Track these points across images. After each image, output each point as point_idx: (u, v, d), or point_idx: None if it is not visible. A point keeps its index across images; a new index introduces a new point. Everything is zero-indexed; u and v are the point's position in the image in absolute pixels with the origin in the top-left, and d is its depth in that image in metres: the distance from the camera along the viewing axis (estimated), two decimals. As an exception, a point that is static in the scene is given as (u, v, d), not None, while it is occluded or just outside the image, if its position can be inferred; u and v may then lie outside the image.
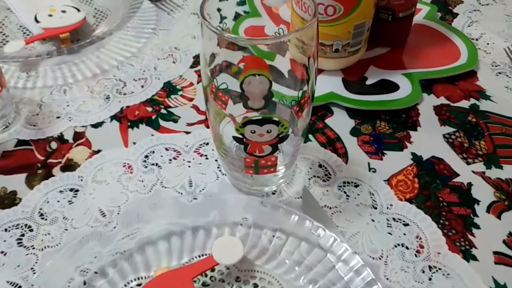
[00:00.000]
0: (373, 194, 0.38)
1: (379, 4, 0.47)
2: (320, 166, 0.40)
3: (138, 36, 0.53)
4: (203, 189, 0.38)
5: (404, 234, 0.35)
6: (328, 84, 0.47)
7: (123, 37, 0.53)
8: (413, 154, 0.41)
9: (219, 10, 0.56)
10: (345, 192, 0.38)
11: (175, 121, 0.44)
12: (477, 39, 0.53)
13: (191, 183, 0.38)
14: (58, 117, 0.44)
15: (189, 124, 0.43)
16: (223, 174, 0.39)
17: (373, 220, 0.36)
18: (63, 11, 0.52)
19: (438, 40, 0.52)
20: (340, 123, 0.44)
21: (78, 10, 0.53)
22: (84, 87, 0.47)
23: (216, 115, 0.33)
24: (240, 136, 0.31)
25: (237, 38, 0.28)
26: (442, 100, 0.46)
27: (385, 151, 0.41)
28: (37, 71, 0.48)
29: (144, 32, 0.53)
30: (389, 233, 0.35)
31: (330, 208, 0.36)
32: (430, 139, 0.42)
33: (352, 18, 0.43)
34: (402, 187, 0.38)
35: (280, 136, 0.31)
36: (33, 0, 0.55)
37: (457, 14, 0.57)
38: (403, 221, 0.36)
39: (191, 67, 0.50)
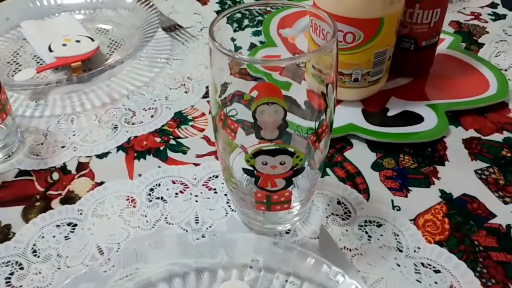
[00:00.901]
0: (398, 235, 0.34)
1: (400, 32, 0.45)
2: (339, 203, 0.36)
3: (151, 65, 0.52)
4: (210, 227, 0.35)
5: (436, 283, 0.31)
6: (347, 115, 0.44)
7: (135, 67, 0.52)
8: (442, 191, 0.37)
9: (233, 39, 0.56)
10: (366, 232, 0.34)
11: (184, 152, 0.41)
12: (506, 70, 0.50)
13: (197, 220, 0.35)
14: (62, 147, 0.42)
15: (198, 156, 0.41)
16: (232, 210, 0.36)
17: (398, 265, 0.32)
18: (77, 41, 0.52)
19: (464, 70, 0.49)
20: (360, 156, 0.41)
21: (93, 40, 0.52)
22: (92, 116, 0.45)
23: (225, 145, 0.31)
24: (251, 168, 0.28)
25: (248, 59, 0.26)
26: (472, 133, 0.43)
27: (410, 188, 0.38)
28: (46, 99, 0.47)
29: (157, 62, 0.52)
30: (418, 280, 0.31)
31: (350, 250, 0.33)
32: (460, 175, 0.39)
33: (372, 45, 0.41)
34: (431, 227, 0.34)
35: (295, 168, 0.28)
36: (49, 31, 0.55)
37: (483, 44, 0.55)
38: (434, 267, 0.32)
39: (204, 97, 0.48)
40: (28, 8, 0.59)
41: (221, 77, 0.28)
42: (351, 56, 0.42)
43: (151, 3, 0.57)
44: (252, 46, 0.54)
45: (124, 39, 0.56)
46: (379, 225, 0.34)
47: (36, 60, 0.53)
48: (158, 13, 0.56)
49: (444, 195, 0.37)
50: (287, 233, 0.34)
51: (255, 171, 0.28)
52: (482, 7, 0.62)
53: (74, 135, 0.43)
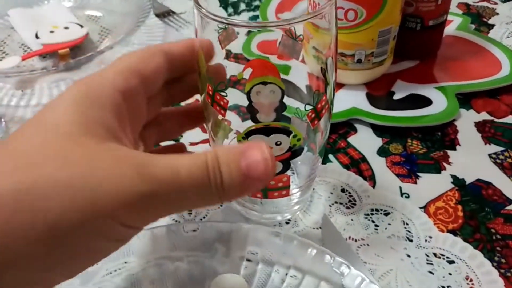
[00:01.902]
0: (407, 224, 0.31)
1: (406, 11, 0.42)
2: (342, 190, 0.34)
3: (143, 52, 0.49)
4: (204, 217, 0.32)
5: (450, 274, 0.28)
6: (350, 99, 0.41)
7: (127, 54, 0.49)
8: (454, 176, 0.35)
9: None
10: (373, 222, 0.31)
11: (177, 140, 0.39)
12: (518, 50, 0.48)
13: (190, 210, 0.33)
14: (48, 137, 0.39)
15: (192, 144, 0.39)
16: (228, 200, 0.33)
17: (408, 256, 0.29)
18: (66, 28, 0.49)
19: (474, 52, 0.47)
20: (365, 141, 0.38)
21: (82, 27, 0.50)
22: (81, 105, 0.43)
23: (217, 128, 0.28)
24: (244, 150, 0.26)
25: (241, 22, 0.23)
26: (485, 116, 0.40)
27: (419, 174, 0.35)
28: (33, 88, 0.45)
29: (150, 49, 0.50)
30: (430, 272, 0.28)
31: (356, 240, 0.30)
32: (473, 159, 0.36)
33: (376, 23, 0.38)
34: (443, 215, 0.32)
35: (293, 149, 0.26)
36: (37, 19, 0.52)
37: (493, 26, 0.52)
38: (447, 257, 0.29)
39: (198, 83, 0.45)
40: (17, -4, 0.56)
41: (214, 61, 0.26)
42: (353, 35, 0.39)
43: (144, -11, 0.55)
44: (250, 31, 0.52)
45: (116, 26, 0.54)
46: (386, 214, 0.32)
47: (23, 49, 0.51)
48: (151, -1, 0.54)
49: (457, 180, 0.34)
50: (287, 223, 0.32)
51: (249, 153, 0.26)
52: (491, -12, 0.59)
53: (61, 124, 0.41)
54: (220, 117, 0.26)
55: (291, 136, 0.25)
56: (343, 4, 0.37)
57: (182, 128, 0.30)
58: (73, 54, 0.48)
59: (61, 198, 0.17)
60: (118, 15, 0.54)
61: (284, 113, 0.26)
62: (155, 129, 0.27)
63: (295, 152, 0.26)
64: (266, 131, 0.25)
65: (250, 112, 0.26)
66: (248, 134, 0.25)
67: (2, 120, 0.40)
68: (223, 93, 0.24)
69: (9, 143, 0.19)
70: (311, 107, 0.25)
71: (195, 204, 0.21)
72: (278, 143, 0.25)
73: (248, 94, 0.25)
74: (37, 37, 0.48)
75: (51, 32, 0.48)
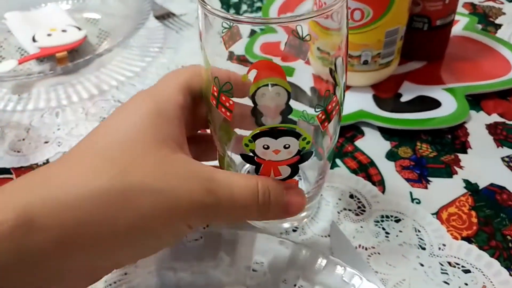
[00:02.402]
0: (419, 231, 0.30)
1: (413, 11, 0.41)
2: (351, 196, 0.32)
3: (143, 55, 0.48)
4: (207, 226, 0.31)
5: (466, 284, 0.27)
6: (357, 102, 0.40)
7: (126, 56, 0.48)
8: (466, 181, 0.33)
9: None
10: (383, 229, 0.30)
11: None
12: (527, 51, 0.46)
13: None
14: (46, 142, 0.38)
15: (194, 148, 0.37)
16: (232, 206, 0.32)
17: (422, 265, 0.28)
18: (64, 31, 0.48)
19: (482, 52, 0.45)
20: (373, 145, 0.37)
21: (80, 29, 0.49)
22: (79, 109, 0.41)
23: (222, 132, 0.27)
24: (250, 154, 0.24)
25: (247, 19, 0.22)
26: (496, 118, 0.39)
27: (430, 178, 0.34)
28: (29, 93, 0.43)
29: (150, 51, 0.49)
30: (445, 282, 0.27)
31: (366, 248, 0.29)
32: (485, 163, 0.35)
33: (383, 23, 0.37)
34: (456, 222, 0.30)
35: (302, 153, 0.24)
36: (35, 22, 0.51)
37: (500, 25, 0.51)
38: (463, 266, 0.28)
39: (200, 86, 0.44)
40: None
41: (217, 64, 0.25)
42: (359, 35, 0.38)
43: (144, -9, 0.54)
44: (252, 32, 0.51)
45: (114, 29, 0.53)
46: (397, 220, 0.31)
47: (20, 53, 0.50)
48: (150, 1, 0.53)
49: (469, 185, 0.33)
50: (294, 231, 0.30)
51: (255, 157, 0.25)
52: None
53: (59, 129, 0.40)
54: (225, 119, 0.25)
55: (300, 138, 0.24)
56: (349, 4, 0.36)
57: (215, 152, 0.30)
58: (71, 57, 0.47)
59: (150, 201, 0.20)
60: (117, 18, 0.53)
61: (290, 116, 0.25)
62: (191, 148, 0.28)
63: (303, 156, 0.25)
64: (274, 133, 0.23)
65: (255, 115, 0.24)
66: (255, 137, 0.24)
67: (-2, 125, 0.39)
68: (228, 94, 0.23)
69: (90, 147, 0.22)
70: (321, 108, 0.24)
71: (238, 218, 0.25)
72: (287, 146, 0.24)
73: (253, 97, 0.24)
74: (34, 40, 0.47)
75: (49, 35, 0.47)
